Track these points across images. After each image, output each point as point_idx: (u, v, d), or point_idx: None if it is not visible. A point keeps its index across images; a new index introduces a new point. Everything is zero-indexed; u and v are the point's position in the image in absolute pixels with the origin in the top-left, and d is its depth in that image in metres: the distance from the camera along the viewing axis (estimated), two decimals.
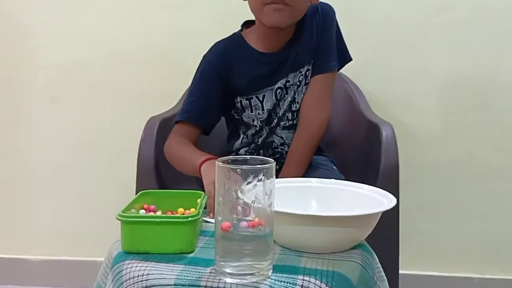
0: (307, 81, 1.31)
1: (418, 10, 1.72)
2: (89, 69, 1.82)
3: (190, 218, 0.83)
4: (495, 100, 1.74)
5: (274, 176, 0.74)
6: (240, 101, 1.30)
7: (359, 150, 1.51)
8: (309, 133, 1.31)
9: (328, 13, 1.29)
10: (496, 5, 1.70)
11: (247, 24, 1.34)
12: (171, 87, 1.69)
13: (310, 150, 1.32)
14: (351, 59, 1.35)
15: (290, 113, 1.32)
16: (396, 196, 0.92)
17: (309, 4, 1.25)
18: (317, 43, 1.29)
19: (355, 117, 1.56)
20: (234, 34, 1.34)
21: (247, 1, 1.24)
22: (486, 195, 1.77)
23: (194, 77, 1.31)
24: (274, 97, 1.30)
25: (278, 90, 1.29)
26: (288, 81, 1.29)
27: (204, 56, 1.31)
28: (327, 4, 1.31)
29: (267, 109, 1.30)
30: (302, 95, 1.31)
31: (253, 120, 1.32)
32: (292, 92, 1.30)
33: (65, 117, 1.85)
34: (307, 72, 1.30)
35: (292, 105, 1.32)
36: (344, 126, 1.58)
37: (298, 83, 1.30)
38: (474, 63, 1.73)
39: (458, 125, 1.76)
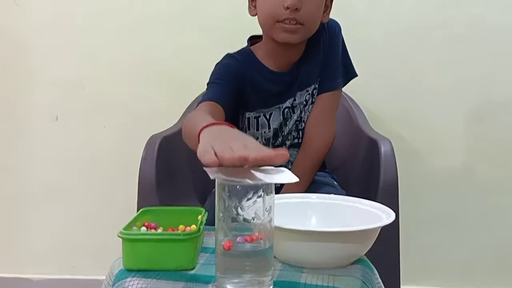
0: (313, 100, 1.30)
1: (416, 25, 1.74)
2: (90, 87, 1.84)
3: (191, 235, 0.84)
4: (495, 114, 1.75)
5: (274, 192, 0.75)
6: (248, 118, 1.28)
7: (359, 166, 1.51)
8: (313, 150, 1.30)
9: (334, 29, 1.28)
10: (494, 20, 1.72)
11: (252, 39, 1.31)
12: (172, 105, 1.70)
13: (314, 167, 1.31)
14: (356, 75, 1.33)
15: (296, 132, 1.31)
16: (396, 211, 0.93)
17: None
18: (324, 61, 1.28)
19: (354, 133, 1.57)
20: (243, 49, 1.30)
21: (254, 17, 1.22)
22: (487, 209, 1.77)
23: (210, 79, 1.24)
24: (281, 116, 1.28)
25: (286, 110, 1.28)
26: (295, 100, 1.28)
27: (218, 62, 1.26)
28: (333, 20, 1.29)
29: (273, 128, 1.29)
30: (309, 113, 1.30)
31: (257, 138, 1.29)
32: (299, 111, 1.29)
33: (66, 135, 1.86)
34: (314, 91, 1.29)
35: (299, 124, 1.31)
36: (343, 142, 1.59)
37: (304, 102, 1.29)
38: (473, 78, 1.74)
39: (457, 139, 1.77)
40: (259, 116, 1.28)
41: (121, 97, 1.83)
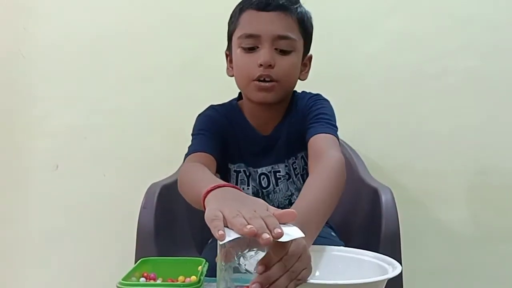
0: (296, 173, 1.24)
1: (414, 75, 1.77)
2: (90, 136, 1.85)
3: (191, 286, 0.82)
4: (495, 161, 1.76)
5: None
6: (230, 169, 1.24)
7: (360, 215, 1.50)
8: (324, 168, 1.05)
9: (319, 100, 1.22)
10: (487, 72, 1.75)
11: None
12: (171, 154, 1.69)
13: (326, 188, 1.03)
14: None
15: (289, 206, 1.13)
16: (399, 260, 0.91)
17: (298, 79, 1.21)
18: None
19: (354, 182, 1.57)
20: (229, 101, 1.29)
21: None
22: (492, 258, 1.75)
23: (194, 130, 1.23)
24: (257, 182, 1.24)
25: (262, 176, 1.24)
26: (279, 171, 1.24)
27: (200, 114, 1.25)
28: (319, 95, 1.26)
29: (252, 186, 1.24)
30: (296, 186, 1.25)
31: None
32: (287, 185, 1.24)
33: (66, 184, 1.86)
34: (294, 164, 1.24)
35: (292, 198, 1.24)
36: (343, 191, 1.58)
37: (287, 176, 1.24)
38: (471, 126, 1.76)
39: (458, 187, 1.77)
40: (239, 172, 1.24)
41: (121, 146, 1.84)
